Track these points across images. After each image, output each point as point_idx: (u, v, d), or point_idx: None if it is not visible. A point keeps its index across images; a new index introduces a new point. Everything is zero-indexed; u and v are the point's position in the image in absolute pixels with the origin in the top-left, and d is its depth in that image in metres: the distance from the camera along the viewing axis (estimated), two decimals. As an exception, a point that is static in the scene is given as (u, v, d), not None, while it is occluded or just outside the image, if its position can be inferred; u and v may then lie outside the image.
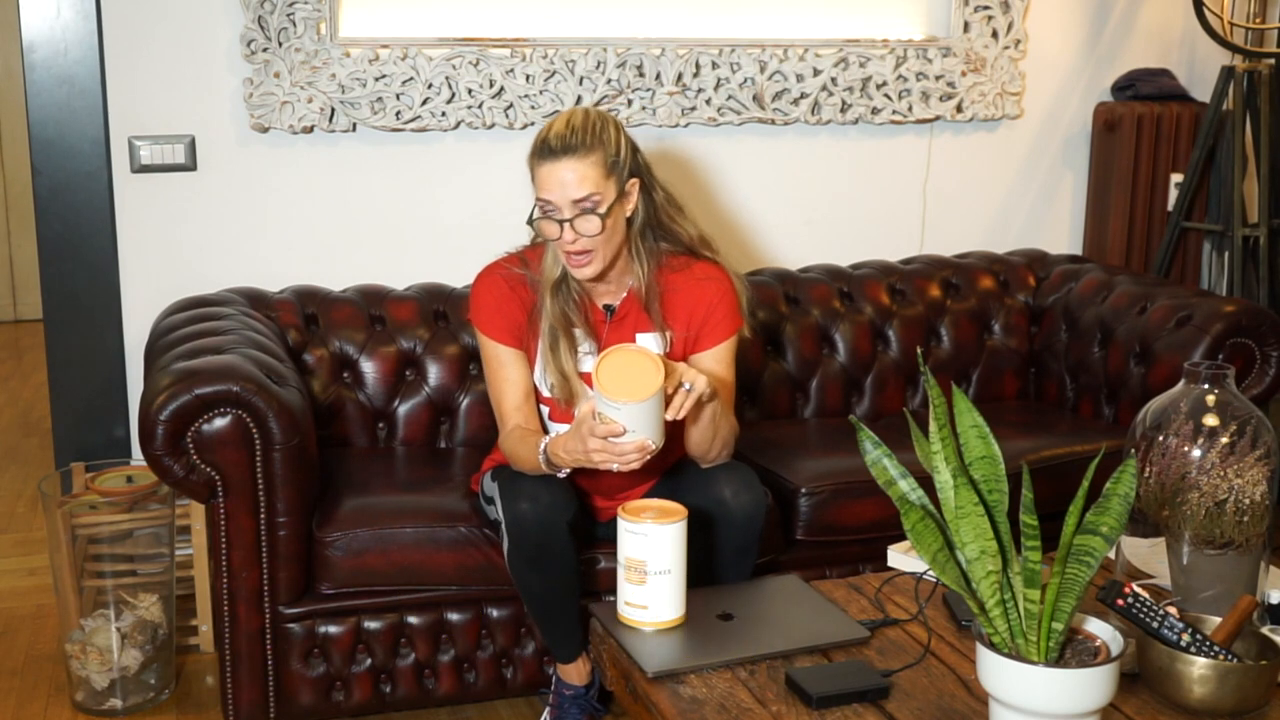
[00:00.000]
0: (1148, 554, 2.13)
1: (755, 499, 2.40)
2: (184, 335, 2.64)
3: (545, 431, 2.48)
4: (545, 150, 2.34)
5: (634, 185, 2.39)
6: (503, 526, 2.37)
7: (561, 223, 2.32)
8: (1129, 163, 3.64)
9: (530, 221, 2.38)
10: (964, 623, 2.00)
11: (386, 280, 3.13)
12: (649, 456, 2.20)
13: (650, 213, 2.45)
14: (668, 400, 2.19)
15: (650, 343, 2.45)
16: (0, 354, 5.70)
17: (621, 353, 2.16)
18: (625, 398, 2.11)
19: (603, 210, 2.32)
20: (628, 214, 2.40)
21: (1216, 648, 1.73)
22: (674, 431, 2.27)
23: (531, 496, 2.33)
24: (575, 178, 2.31)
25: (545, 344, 2.43)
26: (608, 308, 2.47)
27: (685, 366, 2.24)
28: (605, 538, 2.45)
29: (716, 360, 2.45)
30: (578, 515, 2.39)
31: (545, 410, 2.51)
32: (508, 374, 2.47)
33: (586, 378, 2.43)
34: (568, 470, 2.32)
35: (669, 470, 2.50)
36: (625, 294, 2.47)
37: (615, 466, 2.20)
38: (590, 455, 2.19)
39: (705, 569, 2.39)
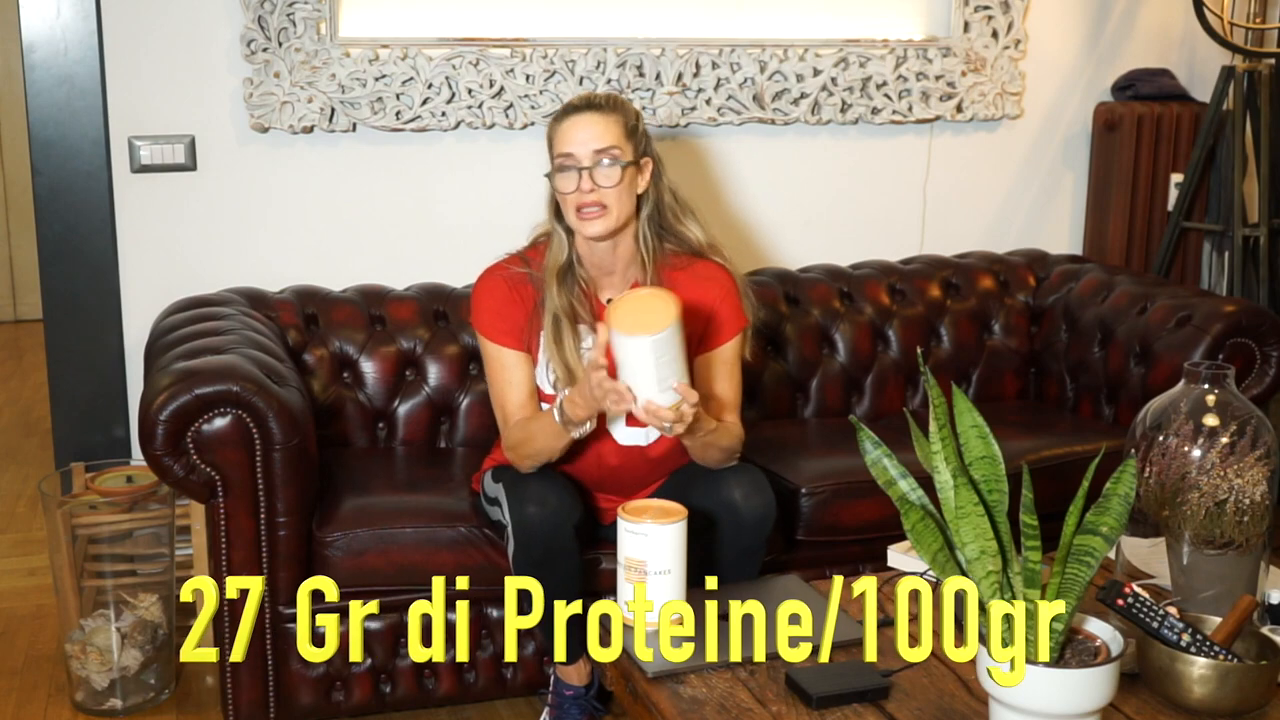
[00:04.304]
0: (1148, 554, 2.13)
1: (766, 501, 2.39)
2: (184, 335, 2.64)
3: None
4: (567, 109, 2.39)
5: (648, 164, 2.41)
6: (508, 529, 2.37)
7: (580, 171, 2.33)
8: (1129, 163, 3.64)
9: (554, 193, 2.38)
10: (964, 623, 2.00)
11: (386, 280, 3.13)
12: (672, 408, 2.15)
13: (659, 206, 2.45)
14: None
15: None
16: (0, 354, 5.70)
17: (634, 297, 2.16)
18: (640, 330, 2.09)
19: (624, 161, 2.34)
20: (640, 189, 2.40)
21: (1216, 648, 1.73)
22: (679, 444, 2.25)
23: (539, 500, 2.32)
24: (598, 130, 2.34)
25: (548, 335, 2.41)
26: (610, 301, 2.46)
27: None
28: (607, 539, 2.44)
29: (723, 360, 2.45)
30: (583, 518, 2.39)
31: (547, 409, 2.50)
32: (510, 376, 2.46)
33: None
34: (585, 429, 2.31)
35: (678, 470, 2.49)
36: (628, 288, 2.46)
37: (637, 405, 2.15)
38: (601, 397, 2.17)
39: (709, 570, 2.38)
